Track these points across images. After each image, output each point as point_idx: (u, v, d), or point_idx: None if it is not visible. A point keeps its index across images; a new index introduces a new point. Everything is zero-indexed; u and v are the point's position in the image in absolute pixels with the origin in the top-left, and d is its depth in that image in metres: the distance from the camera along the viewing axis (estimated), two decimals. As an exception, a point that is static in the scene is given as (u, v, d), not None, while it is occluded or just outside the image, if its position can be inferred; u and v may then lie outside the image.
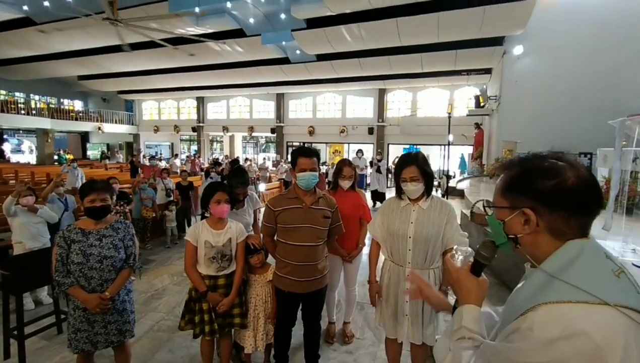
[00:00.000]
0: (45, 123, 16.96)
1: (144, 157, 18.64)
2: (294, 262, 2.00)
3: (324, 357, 2.37)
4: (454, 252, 0.92)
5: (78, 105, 21.91)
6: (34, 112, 16.82)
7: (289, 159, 14.06)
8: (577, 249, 0.67)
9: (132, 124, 21.73)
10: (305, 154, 2.03)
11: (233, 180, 2.36)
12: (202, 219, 2.16)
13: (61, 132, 20.11)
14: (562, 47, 9.06)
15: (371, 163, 9.92)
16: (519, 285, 0.79)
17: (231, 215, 2.25)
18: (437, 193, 9.44)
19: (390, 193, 6.28)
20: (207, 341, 2.06)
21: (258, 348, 2.18)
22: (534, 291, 0.67)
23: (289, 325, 2.15)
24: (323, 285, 2.11)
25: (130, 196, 5.43)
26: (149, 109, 21.83)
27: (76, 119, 19.12)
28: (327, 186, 2.74)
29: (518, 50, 9.52)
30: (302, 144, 18.25)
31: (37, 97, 19.49)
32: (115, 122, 20.77)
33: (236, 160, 8.69)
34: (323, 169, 11.73)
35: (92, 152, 23.01)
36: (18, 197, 3.60)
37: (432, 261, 1.81)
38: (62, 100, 20.97)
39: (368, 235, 2.66)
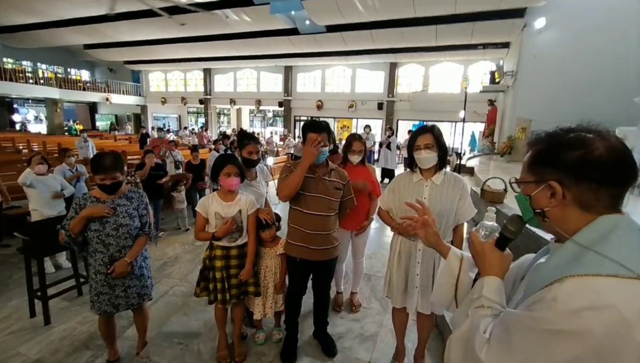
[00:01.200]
0: (53, 93, 16.96)
1: (152, 129, 18.71)
2: (307, 230, 2.04)
3: (332, 323, 2.47)
4: (479, 227, 0.92)
5: (85, 75, 21.76)
6: (41, 81, 16.77)
7: (297, 134, 14.03)
8: (611, 223, 0.65)
9: (140, 95, 21.60)
10: (314, 128, 2.01)
11: (244, 140, 2.37)
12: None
13: (69, 102, 20.13)
14: (586, 22, 8.55)
15: (380, 144, 9.72)
16: (542, 260, 0.78)
17: (246, 186, 2.28)
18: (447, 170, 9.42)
19: (399, 171, 6.12)
20: (221, 308, 2.16)
21: (267, 315, 2.28)
22: (563, 262, 0.65)
23: (299, 294, 2.22)
24: (334, 256, 2.15)
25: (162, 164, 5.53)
26: (156, 80, 21.59)
27: (84, 89, 19.05)
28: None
29: (540, 23, 9.02)
30: (309, 118, 18.02)
31: (44, 66, 19.35)
32: (123, 93, 20.66)
33: (243, 130, 8.71)
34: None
35: (101, 123, 23.11)
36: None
37: (444, 236, 1.82)
38: (69, 69, 20.81)
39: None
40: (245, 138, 2.36)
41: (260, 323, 2.37)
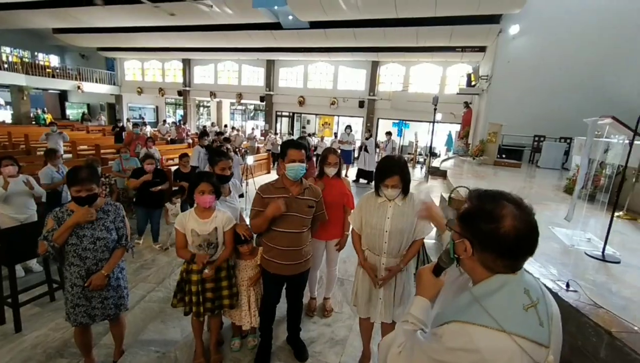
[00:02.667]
0: (19, 79, 16.00)
1: (128, 120, 18.06)
2: (280, 246, 2.15)
3: (305, 329, 2.61)
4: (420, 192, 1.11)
5: (54, 60, 20.59)
6: (5, 66, 15.75)
7: (278, 129, 13.92)
8: (500, 282, 0.82)
9: (114, 84, 20.73)
10: (295, 146, 2.13)
11: (215, 157, 2.44)
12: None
13: (37, 89, 19.04)
14: (556, 31, 9.02)
15: (360, 147, 9.85)
16: (451, 293, 0.97)
17: (221, 202, 2.34)
18: (421, 171, 9.68)
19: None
20: (196, 319, 2.24)
21: (255, 325, 2.36)
22: (458, 308, 0.84)
23: (273, 303, 2.34)
24: (306, 268, 2.28)
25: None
26: (132, 69, 20.77)
27: (53, 76, 18.06)
28: (316, 167, 2.83)
29: (514, 29, 9.41)
30: (291, 114, 17.98)
31: (8, 49, 18.15)
32: (96, 81, 19.75)
33: (221, 133, 8.58)
34: (314, 140, 11.70)
35: (72, 112, 22.04)
36: None
37: (403, 249, 1.99)
38: (36, 53, 19.61)
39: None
40: (216, 155, 2.43)
41: (238, 330, 2.45)
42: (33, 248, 3.08)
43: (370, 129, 10.04)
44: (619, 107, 6.87)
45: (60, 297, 3.34)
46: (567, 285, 2.09)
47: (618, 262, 2.64)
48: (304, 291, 2.43)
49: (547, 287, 2.11)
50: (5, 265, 2.95)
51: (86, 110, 21.76)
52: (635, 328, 1.71)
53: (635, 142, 4.03)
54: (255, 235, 2.38)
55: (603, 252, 2.68)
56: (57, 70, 18.67)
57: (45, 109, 19.60)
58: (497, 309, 0.78)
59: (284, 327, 2.56)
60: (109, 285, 2.13)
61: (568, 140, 8.47)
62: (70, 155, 10.13)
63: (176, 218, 2.13)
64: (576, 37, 8.79)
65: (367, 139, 9.43)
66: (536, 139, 9.25)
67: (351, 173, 10.76)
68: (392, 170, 1.88)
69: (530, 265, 2.37)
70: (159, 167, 5.39)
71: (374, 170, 8.67)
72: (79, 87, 18.51)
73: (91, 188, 2.04)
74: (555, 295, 2.00)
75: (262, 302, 2.34)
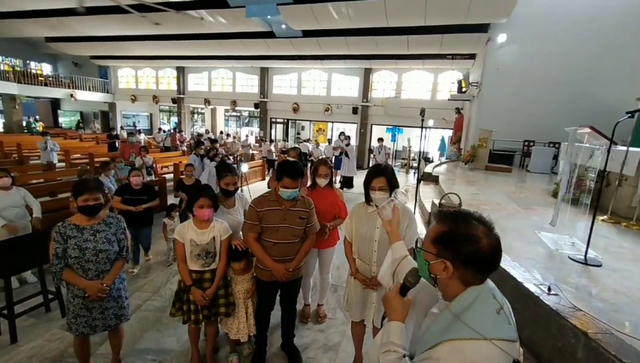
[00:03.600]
0: (11, 88, 15.91)
1: (122, 128, 18.01)
2: (274, 256, 2.22)
3: (299, 335, 2.67)
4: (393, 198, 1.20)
5: (46, 68, 20.52)
6: (-3, 74, 15.69)
7: (273, 136, 13.95)
8: (474, 294, 0.91)
9: (107, 92, 20.69)
10: (291, 175, 2.13)
11: (222, 172, 2.50)
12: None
13: (29, 97, 18.93)
14: (542, 39, 9.29)
15: (340, 152, 9.76)
16: (432, 313, 1.01)
17: (223, 214, 2.43)
18: (414, 177, 9.80)
19: (359, 178, 6.28)
20: (194, 327, 2.29)
21: (251, 334, 2.41)
22: (442, 328, 0.90)
23: (268, 310, 2.40)
24: (299, 276, 2.36)
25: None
26: (126, 76, 20.77)
27: (45, 85, 17.99)
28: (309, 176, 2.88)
29: (501, 38, 9.67)
30: (285, 120, 18.10)
31: (0, 58, 18.07)
32: (89, 89, 19.70)
33: (215, 140, 8.64)
34: (309, 146, 11.81)
35: (64, 120, 21.91)
36: None
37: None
38: (28, 62, 19.54)
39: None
40: (223, 170, 2.48)
41: (233, 345, 2.49)
42: (28, 260, 3.13)
43: (349, 137, 10.08)
44: (603, 112, 7.10)
45: (55, 308, 3.36)
46: (549, 289, 2.18)
47: (599, 266, 2.75)
48: (297, 298, 2.50)
49: (529, 291, 2.22)
50: (0, 277, 2.97)
51: (79, 118, 21.65)
52: (611, 330, 1.81)
53: (619, 148, 4.21)
54: (249, 257, 2.42)
55: (585, 255, 2.80)
56: (50, 79, 18.61)
57: (37, 117, 19.49)
58: (476, 321, 0.86)
59: (279, 334, 2.61)
60: (109, 296, 2.17)
61: (556, 145, 8.69)
62: (63, 164, 10.10)
63: (175, 229, 2.20)
64: (560, 45, 9.09)
65: (347, 145, 9.55)
66: (526, 143, 9.46)
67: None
68: (378, 173, 1.99)
69: (515, 269, 2.48)
70: (150, 178, 5.31)
71: (354, 176, 8.77)
72: (72, 95, 18.46)
73: (98, 198, 2.12)
74: (537, 298, 2.10)
75: (256, 310, 2.40)
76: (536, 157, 8.66)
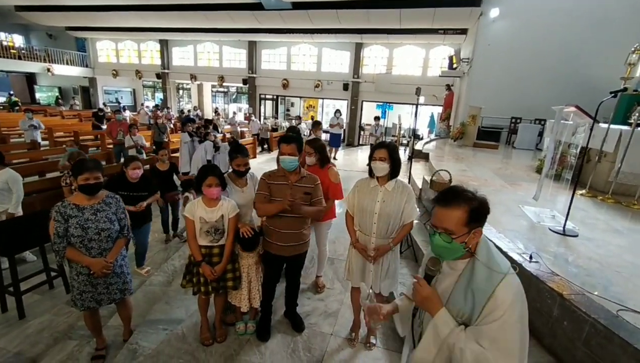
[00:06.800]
0: (-19, 61, 14.98)
1: (104, 104, 17.38)
2: (281, 229, 2.34)
3: (300, 304, 2.84)
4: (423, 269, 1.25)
5: (18, 40, 19.25)
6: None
7: (262, 112, 13.84)
8: (485, 242, 1.12)
9: (87, 66, 19.75)
10: (285, 140, 2.32)
11: (233, 153, 2.59)
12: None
13: (1, 71, 17.90)
14: (534, 15, 9.27)
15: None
16: (449, 272, 1.15)
17: (236, 192, 2.53)
18: (405, 153, 9.96)
19: (350, 156, 6.34)
20: (203, 297, 2.43)
21: (254, 306, 2.56)
22: (484, 280, 1.05)
23: (274, 282, 2.56)
24: (304, 250, 2.50)
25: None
26: (105, 50, 19.78)
27: (19, 58, 17.00)
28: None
29: (494, 12, 9.59)
30: (275, 97, 17.78)
31: (-36, 28, 16.86)
32: (67, 63, 18.75)
33: (209, 120, 8.50)
34: (303, 125, 11.77)
35: (42, 95, 20.92)
36: None
37: (392, 232, 2.22)
38: (-3, 32, 18.28)
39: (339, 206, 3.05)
40: (234, 151, 2.57)
41: (241, 314, 2.65)
42: (31, 239, 3.17)
43: (300, 117, 10.30)
44: (589, 90, 7.29)
45: (58, 285, 3.44)
46: (531, 257, 2.40)
47: (576, 236, 2.99)
48: (301, 271, 2.65)
49: (514, 259, 2.42)
50: (5, 256, 3.02)
51: (58, 94, 20.70)
52: (583, 291, 2.04)
53: (601, 125, 4.41)
54: (259, 239, 2.51)
55: (564, 227, 3.03)
56: (23, 52, 17.55)
57: (12, 92, 18.53)
58: (498, 264, 1.07)
59: (281, 303, 2.78)
60: (113, 272, 2.26)
61: (542, 122, 8.91)
62: (47, 142, 9.80)
63: (185, 207, 2.28)
64: (551, 22, 9.09)
65: (297, 125, 9.78)
66: (513, 120, 9.67)
67: (340, 156, 10.95)
68: (381, 145, 2.15)
69: (500, 240, 2.68)
70: (141, 157, 4.60)
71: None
72: (48, 70, 17.55)
73: (98, 177, 2.15)
74: (520, 265, 2.30)
75: (263, 281, 2.54)
76: (522, 133, 8.90)
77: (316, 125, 5.75)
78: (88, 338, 2.61)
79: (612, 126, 4.34)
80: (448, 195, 1.11)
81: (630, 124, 4.04)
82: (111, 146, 8.24)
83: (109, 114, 13.50)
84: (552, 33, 9.16)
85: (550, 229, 3.09)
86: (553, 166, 3.78)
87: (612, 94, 2.92)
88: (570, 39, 9.04)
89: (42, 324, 2.91)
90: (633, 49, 4.30)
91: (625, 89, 3.36)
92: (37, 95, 20.86)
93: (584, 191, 4.46)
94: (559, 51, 9.18)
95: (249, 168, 2.63)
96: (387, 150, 2.11)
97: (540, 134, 8.80)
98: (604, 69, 8.24)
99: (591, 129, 2.98)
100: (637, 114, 3.95)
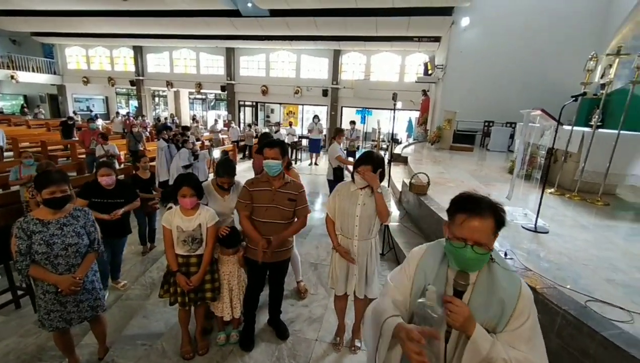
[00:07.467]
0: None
1: (74, 113, 16.65)
2: (263, 235, 2.30)
3: (284, 310, 2.81)
4: (420, 308, 1.08)
5: (-22, 46, 18.19)
6: None
7: (242, 119, 13.77)
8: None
9: (55, 73, 18.87)
10: (268, 144, 2.29)
11: (220, 170, 2.54)
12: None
13: (-40, 79, 16.83)
14: (502, 24, 9.77)
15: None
16: (480, 283, 1.09)
17: (219, 202, 2.48)
18: (385, 156, 10.16)
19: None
20: (183, 310, 2.35)
21: (236, 316, 2.51)
22: (505, 282, 1.07)
23: (257, 290, 2.52)
24: (287, 257, 2.49)
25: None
26: (75, 56, 19.01)
27: (-21, 64, 16.04)
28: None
29: (465, 21, 10.02)
30: (254, 103, 17.68)
31: None
32: (33, 70, 17.85)
33: (187, 127, 8.34)
34: (283, 131, 11.74)
35: (5, 104, 19.77)
36: None
37: (372, 233, 2.26)
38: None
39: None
40: (222, 170, 2.54)
41: (223, 324, 2.58)
42: (-5, 255, 2.96)
43: (278, 123, 10.51)
44: (555, 94, 7.74)
45: (26, 304, 3.24)
46: (505, 254, 2.49)
47: (547, 232, 3.14)
48: (284, 278, 2.63)
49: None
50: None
51: (23, 102, 19.64)
52: (554, 285, 2.14)
53: (566, 128, 4.68)
54: (240, 243, 2.50)
55: (535, 224, 3.18)
56: (-16, 58, 16.59)
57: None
58: (506, 263, 1.14)
59: (265, 312, 2.75)
60: (83, 289, 2.11)
61: (513, 125, 9.35)
62: (11, 153, 9.28)
63: (163, 216, 2.21)
64: (518, 32, 9.64)
65: (276, 131, 9.93)
66: (486, 124, 10.08)
67: (322, 162, 11.00)
68: (367, 161, 2.16)
69: (477, 239, 2.77)
70: (118, 173, 4.47)
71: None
72: (12, 77, 16.64)
73: (65, 189, 2.01)
74: (495, 262, 2.39)
75: (246, 290, 2.50)
76: (495, 136, 9.30)
77: (339, 132, 5.23)
78: (60, 359, 2.47)
79: (575, 128, 4.62)
80: (480, 205, 1.06)
81: (591, 126, 4.32)
82: (83, 156, 7.90)
83: (79, 122, 12.95)
84: (519, 41, 9.68)
85: (522, 227, 3.23)
86: (524, 167, 3.98)
87: (573, 98, 3.11)
88: (536, 48, 9.59)
89: (8, 347, 2.72)
90: (590, 57, 4.61)
91: (584, 93, 3.59)
92: (0, 103, 19.71)
93: (552, 190, 4.70)
94: (527, 58, 9.71)
95: (234, 184, 2.61)
96: (372, 166, 2.14)
97: (512, 137, 9.23)
98: (566, 75, 8.77)
99: (556, 131, 3.16)
100: (596, 117, 4.22)
